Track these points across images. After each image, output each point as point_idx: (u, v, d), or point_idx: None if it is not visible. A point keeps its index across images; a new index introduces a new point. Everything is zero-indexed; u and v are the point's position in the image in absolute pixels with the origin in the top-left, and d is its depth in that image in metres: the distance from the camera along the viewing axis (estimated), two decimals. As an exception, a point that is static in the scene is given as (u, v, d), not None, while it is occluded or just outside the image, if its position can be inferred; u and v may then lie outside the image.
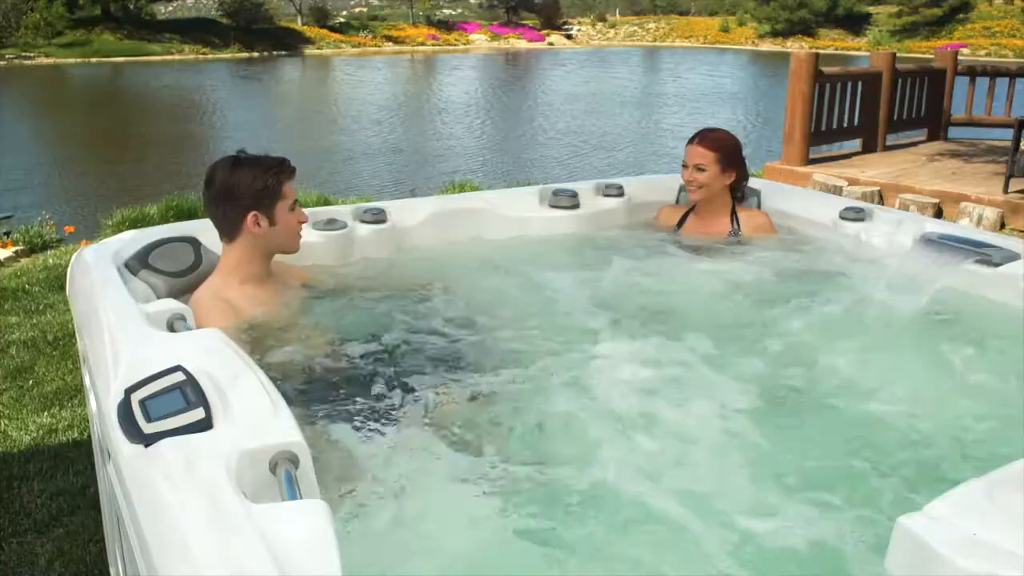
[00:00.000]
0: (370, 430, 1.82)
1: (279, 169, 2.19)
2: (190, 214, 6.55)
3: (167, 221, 6.61)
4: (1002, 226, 6.52)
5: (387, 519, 1.55)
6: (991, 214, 6.53)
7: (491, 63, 37.47)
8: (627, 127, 17.98)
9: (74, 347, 3.85)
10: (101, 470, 1.91)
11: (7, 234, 6.18)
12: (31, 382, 3.75)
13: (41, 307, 4.68)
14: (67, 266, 5.24)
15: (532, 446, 1.82)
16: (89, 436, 3.06)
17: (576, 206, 3.04)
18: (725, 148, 2.91)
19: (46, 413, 3.46)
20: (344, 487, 1.60)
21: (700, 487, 1.64)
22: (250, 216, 2.14)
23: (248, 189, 2.14)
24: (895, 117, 8.77)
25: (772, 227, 2.96)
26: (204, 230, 2.34)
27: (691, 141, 2.94)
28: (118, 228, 6.47)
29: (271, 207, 2.16)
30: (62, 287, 4.60)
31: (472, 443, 1.80)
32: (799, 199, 3.14)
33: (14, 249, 5.82)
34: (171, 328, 1.78)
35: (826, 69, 8.00)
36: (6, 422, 3.39)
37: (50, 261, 5.56)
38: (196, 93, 25.01)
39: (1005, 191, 6.69)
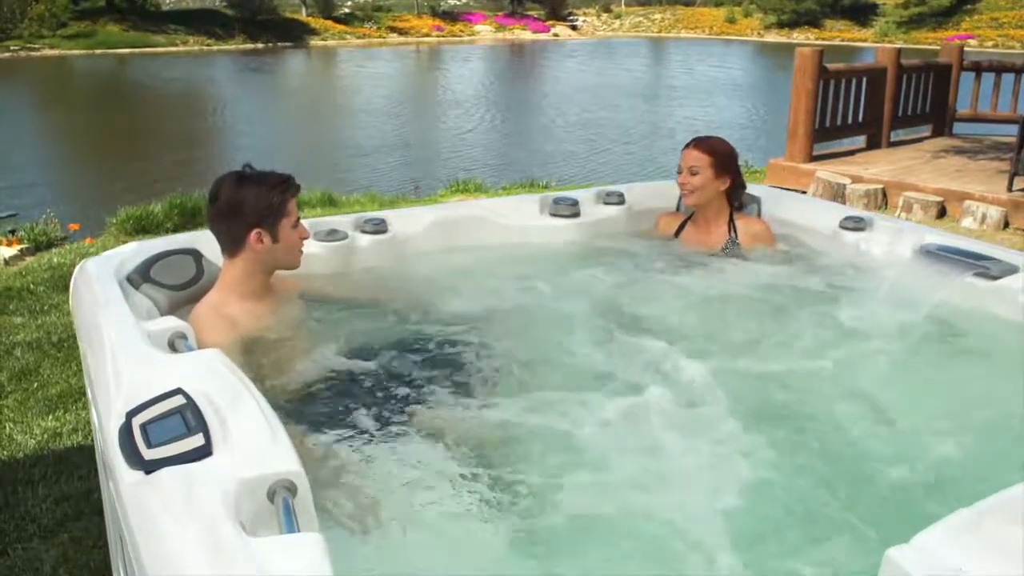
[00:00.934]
0: (368, 446, 1.84)
1: (284, 187, 2.20)
2: (193, 213, 6.56)
3: (171, 219, 6.63)
4: (1006, 225, 6.51)
5: (384, 535, 1.57)
6: (994, 213, 6.52)
7: (498, 55, 37.36)
8: (642, 120, 17.83)
9: (78, 349, 3.87)
10: (104, 482, 1.94)
11: (12, 232, 6.19)
12: (36, 384, 3.77)
13: (46, 307, 4.69)
14: (72, 265, 5.27)
15: (531, 461, 1.83)
16: (93, 440, 3.08)
17: (576, 214, 3.05)
18: (719, 153, 2.93)
19: (51, 416, 3.48)
20: (342, 505, 1.62)
21: (690, 506, 1.65)
22: (253, 233, 2.15)
23: (253, 206, 2.15)
24: (899, 113, 8.75)
25: (770, 236, 2.96)
26: (205, 241, 2.36)
27: (686, 147, 2.97)
28: (122, 226, 6.49)
29: (275, 224, 2.18)
30: (67, 287, 4.61)
31: (471, 460, 1.81)
32: (799, 207, 3.15)
33: (19, 247, 5.84)
34: (172, 346, 1.80)
35: (830, 66, 7.98)
36: (11, 425, 3.41)
37: (55, 260, 5.58)
38: (203, 86, 25.00)
39: (1009, 189, 6.68)
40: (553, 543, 1.59)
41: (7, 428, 3.39)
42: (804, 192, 7.46)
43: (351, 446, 1.82)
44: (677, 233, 3.08)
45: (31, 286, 4.99)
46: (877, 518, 1.57)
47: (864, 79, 8.40)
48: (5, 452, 3.22)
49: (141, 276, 2.24)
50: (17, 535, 2.74)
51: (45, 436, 3.32)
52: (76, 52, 32.17)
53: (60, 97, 22.89)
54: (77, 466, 3.11)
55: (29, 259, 5.74)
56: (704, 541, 1.55)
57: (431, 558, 1.52)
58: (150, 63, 30.25)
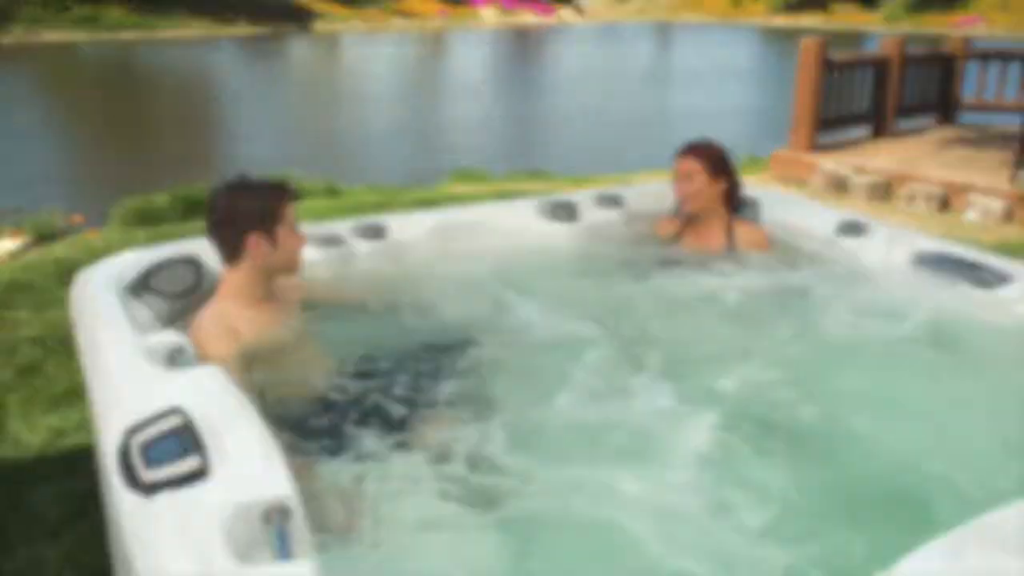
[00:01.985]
0: (365, 460, 1.86)
1: (279, 192, 2.23)
2: (197, 204, 6.57)
3: (175, 211, 6.64)
4: (1009, 218, 6.49)
5: (381, 555, 1.59)
6: (998, 206, 6.50)
7: (505, 38, 37.01)
8: (655, 106, 17.55)
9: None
10: (105, 493, 1.96)
11: (16, 225, 6.21)
12: (41, 381, 3.78)
13: (50, 302, 4.71)
14: (76, 258, 5.26)
15: (528, 469, 1.85)
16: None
17: (574, 218, 3.06)
18: (711, 157, 2.94)
19: (55, 414, 3.49)
20: (338, 523, 1.65)
21: (680, 515, 1.68)
22: (252, 237, 2.18)
23: (249, 211, 2.18)
24: (904, 103, 8.71)
25: (767, 241, 2.97)
26: (204, 249, 2.38)
27: (677, 155, 2.98)
28: (125, 218, 6.51)
29: (272, 228, 2.20)
30: (71, 280, 4.64)
31: (471, 477, 1.83)
32: (797, 210, 3.16)
33: (22, 240, 5.86)
34: (171, 361, 1.83)
35: (834, 56, 7.94)
36: (17, 423, 3.43)
37: (58, 253, 5.59)
38: (209, 72, 24.84)
39: (1012, 181, 6.65)
40: (556, 560, 1.62)
41: (12, 426, 3.41)
42: (806, 182, 7.46)
43: (349, 460, 1.84)
44: (675, 236, 3.10)
45: (35, 280, 5.00)
46: (867, 532, 1.59)
47: (869, 69, 8.35)
48: (10, 450, 3.25)
49: (141, 285, 2.26)
50: (22, 535, 2.77)
51: (50, 434, 3.34)
52: (79, 37, 32.08)
53: (61, 85, 22.75)
54: (82, 464, 3.13)
55: (33, 252, 5.76)
56: (695, 548, 1.57)
57: (424, 565, 1.55)
58: (154, 48, 30.15)
